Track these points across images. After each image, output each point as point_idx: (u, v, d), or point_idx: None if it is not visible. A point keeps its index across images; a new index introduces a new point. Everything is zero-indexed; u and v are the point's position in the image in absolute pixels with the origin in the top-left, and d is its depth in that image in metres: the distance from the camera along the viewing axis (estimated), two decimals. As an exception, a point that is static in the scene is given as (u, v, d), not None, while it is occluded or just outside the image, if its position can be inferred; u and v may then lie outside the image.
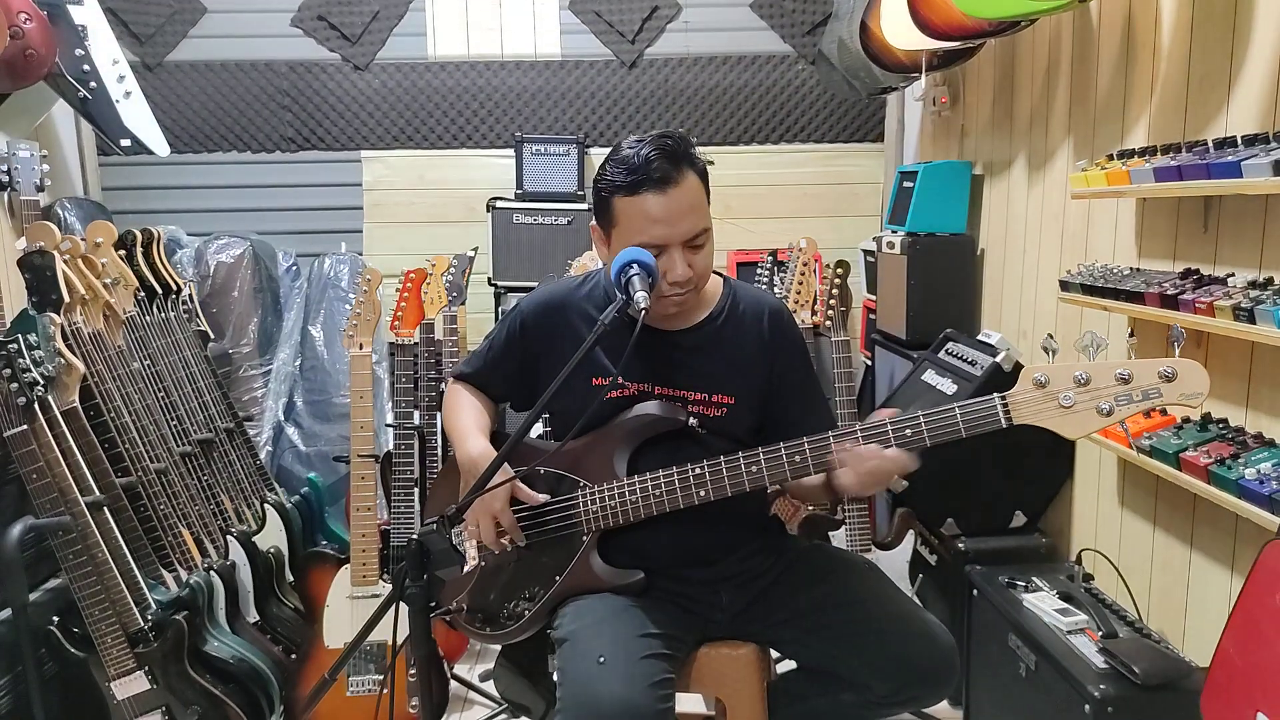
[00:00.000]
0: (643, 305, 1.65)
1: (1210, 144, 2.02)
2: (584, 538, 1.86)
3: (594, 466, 1.87)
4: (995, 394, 1.62)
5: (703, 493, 1.79)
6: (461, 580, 1.95)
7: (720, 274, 1.99)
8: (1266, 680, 1.58)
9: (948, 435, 1.65)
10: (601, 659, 1.65)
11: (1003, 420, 1.61)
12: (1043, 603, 2.29)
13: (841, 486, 1.71)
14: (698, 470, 1.78)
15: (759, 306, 1.96)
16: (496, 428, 2.03)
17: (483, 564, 1.93)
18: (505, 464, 1.69)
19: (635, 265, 1.70)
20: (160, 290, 3.07)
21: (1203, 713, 1.71)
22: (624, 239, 1.76)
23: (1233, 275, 2.02)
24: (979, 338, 2.92)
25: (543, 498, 1.88)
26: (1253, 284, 1.92)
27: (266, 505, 3.18)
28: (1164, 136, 2.37)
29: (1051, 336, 1.72)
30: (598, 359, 1.85)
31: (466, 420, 1.97)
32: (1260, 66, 2.04)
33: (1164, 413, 2.21)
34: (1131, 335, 2.40)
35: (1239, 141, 1.94)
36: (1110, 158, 2.38)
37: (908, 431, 1.66)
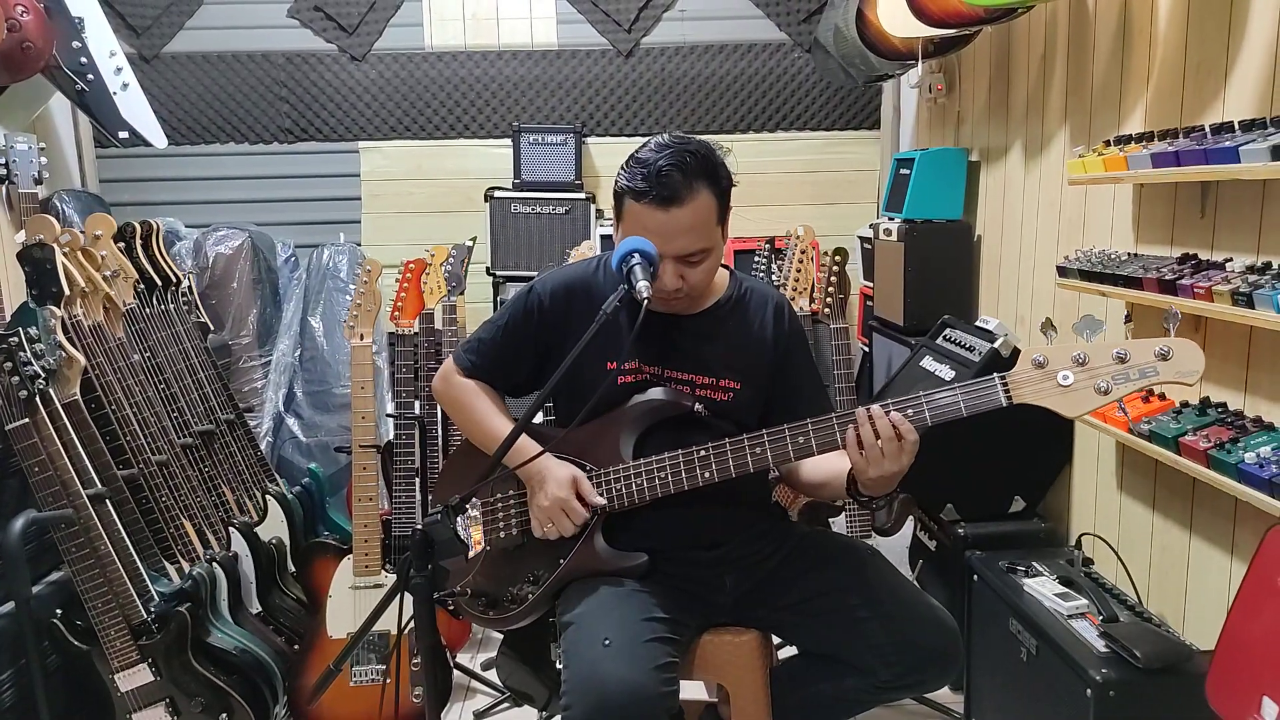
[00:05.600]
0: (645, 295, 1.67)
1: (1208, 129, 2.02)
2: (589, 521, 1.87)
3: (600, 451, 1.88)
4: (995, 374, 1.64)
5: (707, 474, 1.80)
6: (465, 564, 1.95)
7: (725, 266, 2.01)
8: (1272, 664, 1.59)
9: (949, 415, 1.67)
10: (607, 641, 1.66)
11: (1002, 399, 1.63)
12: (1043, 587, 2.30)
13: (856, 466, 1.71)
14: (702, 452, 1.80)
15: (763, 297, 2.01)
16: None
17: (487, 549, 1.94)
18: (549, 455, 1.80)
19: (636, 254, 1.72)
20: (160, 282, 3.07)
21: (1209, 698, 1.72)
22: (626, 235, 1.81)
23: (1231, 260, 2.03)
24: (977, 324, 2.93)
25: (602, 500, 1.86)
26: (1251, 268, 1.93)
27: (268, 496, 3.18)
28: (1161, 122, 2.37)
29: (1050, 322, 1.73)
30: (610, 342, 1.85)
31: (501, 424, 1.95)
32: (1257, 52, 2.04)
33: (1163, 396, 2.22)
34: (1128, 320, 2.42)
35: (1236, 127, 1.94)
36: (1108, 144, 2.38)
37: (909, 411, 1.68)
